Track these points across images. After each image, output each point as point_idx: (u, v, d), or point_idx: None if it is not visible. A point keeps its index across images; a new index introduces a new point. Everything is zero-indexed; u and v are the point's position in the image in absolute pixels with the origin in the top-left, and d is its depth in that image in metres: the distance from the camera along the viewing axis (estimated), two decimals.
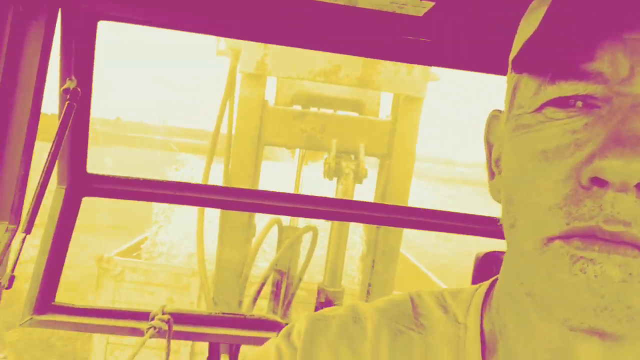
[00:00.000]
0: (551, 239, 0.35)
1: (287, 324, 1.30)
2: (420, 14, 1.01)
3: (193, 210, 4.93)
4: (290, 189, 2.90)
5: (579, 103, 0.36)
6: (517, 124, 0.40)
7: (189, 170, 5.41)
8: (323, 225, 2.78)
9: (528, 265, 0.37)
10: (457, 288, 0.53)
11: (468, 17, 1.02)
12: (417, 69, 2.32)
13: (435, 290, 0.53)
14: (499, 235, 1.44)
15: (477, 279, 1.12)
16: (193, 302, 3.85)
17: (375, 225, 2.33)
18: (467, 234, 1.57)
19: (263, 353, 0.50)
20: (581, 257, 0.34)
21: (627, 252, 0.33)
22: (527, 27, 0.40)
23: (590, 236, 0.34)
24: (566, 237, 0.34)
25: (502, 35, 1.10)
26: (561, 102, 0.37)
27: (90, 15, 1.04)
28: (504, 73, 1.41)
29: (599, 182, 0.33)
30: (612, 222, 0.33)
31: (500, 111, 0.47)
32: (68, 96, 1.08)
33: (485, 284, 0.51)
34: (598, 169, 0.33)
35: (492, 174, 0.47)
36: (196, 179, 5.24)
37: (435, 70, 2.41)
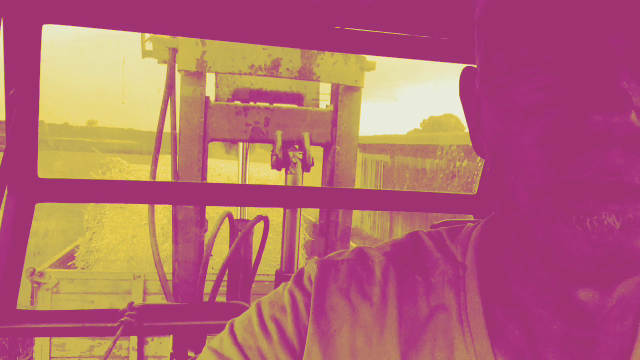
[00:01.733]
0: (543, 192, 0.36)
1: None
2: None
3: (126, 213, 4.82)
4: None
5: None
6: (493, 84, 0.39)
7: (117, 173, 5.21)
8: (272, 214, 2.83)
9: (524, 218, 0.37)
10: (454, 227, 0.54)
11: (403, 6, 1.10)
12: (353, 59, 2.41)
13: (432, 231, 0.54)
14: (444, 209, 1.54)
15: None
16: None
17: (326, 210, 2.41)
18: (419, 211, 1.68)
19: (276, 297, 0.52)
20: (577, 209, 0.34)
21: (623, 199, 0.33)
22: None
23: (583, 189, 0.34)
24: (559, 190, 0.35)
25: (432, 24, 1.19)
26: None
27: (34, 20, 1.04)
28: (431, 58, 1.50)
29: (583, 137, 0.33)
30: (603, 174, 0.33)
31: (473, 68, 0.47)
32: (15, 102, 1.08)
33: (481, 223, 0.53)
34: (582, 125, 0.33)
35: (473, 131, 0.47)
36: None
37: (371, 59, 2.52)
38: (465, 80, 0.48)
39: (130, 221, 4.77)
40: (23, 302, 3.74)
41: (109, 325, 1.17)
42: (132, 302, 1.20)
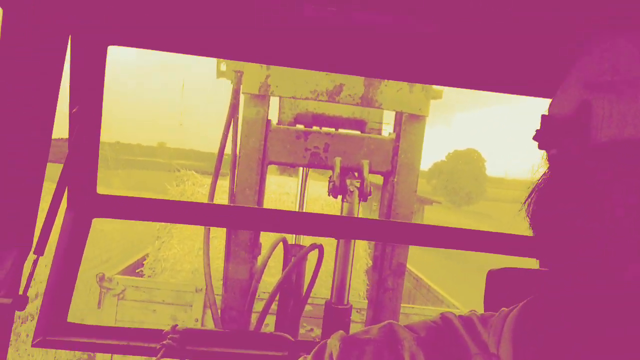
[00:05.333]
0: None
1: (297, 341, 1.31)
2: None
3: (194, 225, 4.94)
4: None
5: None
6: None
7: (190, 185, 5.41)
8: (328, 241, 2.79)
9: None
10: (486, 313, 0.51)
11: (469, 37, 1.04)
12: (419, 87, 2.35)
13: (464, 315, 0.51)
14: (503, 251, 1.44)
15: (489, 296, 1.13)
16: (197, 319, 3.83)
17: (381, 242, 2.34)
18: (474, 250, 1.58)
19: None
20: None
21: None
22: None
23: None
24: None
25: (503, 54, 1.13)
26: None
27: (99, 40, 1.07)
28: (504, 91, 1.42)
29: None
30: None
31: None
32: (78, 119, 1.11)
33: (518, 307, 0.48)
34: None
35: None
36: (197, 193, 5.26)
37: (438, 87, 2.45)
38: None
39: (199, 233, 4.91)
40: (92, 305, 3.90)
41: (152, 345, 1.16)
42: (176, 325, 1.19)
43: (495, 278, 1.01)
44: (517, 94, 1.30)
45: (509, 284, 0.92)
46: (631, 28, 0.38)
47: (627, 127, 0.36)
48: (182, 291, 3.85)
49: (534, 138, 0.44)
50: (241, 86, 2.40)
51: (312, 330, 3.67)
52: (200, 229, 5.00)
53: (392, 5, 0.91)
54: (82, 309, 5.51)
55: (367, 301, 3.37)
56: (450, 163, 37.92)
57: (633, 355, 0.36)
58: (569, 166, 0.39)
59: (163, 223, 5.02)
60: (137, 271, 4.79)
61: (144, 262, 4.97)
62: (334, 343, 0.48)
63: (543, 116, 0.44)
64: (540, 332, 0.43)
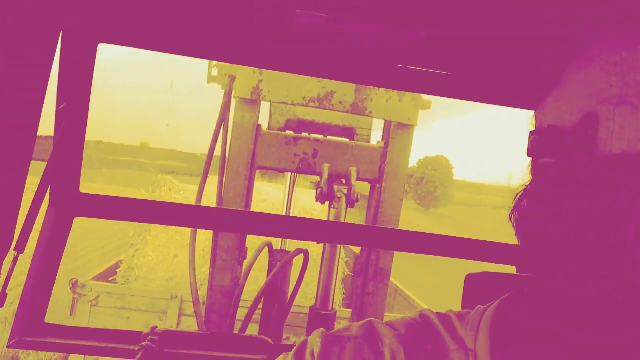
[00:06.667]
0: None
1: (277, 344, 1.30)
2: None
3: (170, 232, 4.89)
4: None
5: None
6: None
7: (166, 191, 5.30)
8: (312, 247, 2.79)
9: None
10: (463, 310, 0.52)
11: (459, 48, 1.05)
12: (408, 96, 2.37)
13: (442, 313, 0.51)
14: (486, 258, 1.45)
15: (467, 300, 1.14)
16: (172, 327, 3.80)
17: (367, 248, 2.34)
18: (460, 257, 1.59)
19: None
20: None
21: None
22: None
23: None
24: None
25: (492, 66, 1.14)
26: None
27: (90, 38, 1.07)
28: (493, 102, 1.43)
29: None
30: None
31: None
32: (64, 117, 1.10)
33: (495, 305, 0.49)
34: None
35: None
36: (173, 200, 5.19)
37: (427, 97, 2.46)
38: None
39: (173, 241, 4.85)
40: (65, 312, 3.84)
41: (130, 347, 1.15)
42: (155, 327, 1.18)
43: (473, 282, 1.01)
44: (502, 105, 1.32)
45: (486, 287, 0.93)
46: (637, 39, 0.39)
47: None
48: (157, 298, 3.79)
49: (530, 146, 0.44)
50: (233, 90, 2.40)
51: (287, 338, 3.64)
52: (175, 238, 4.96)
53: (381, 15, 0.92)
54: (54, 316, 5.42)
55: (344, 309, 3.37)
56: (420, 169, 40.41)
57: (608, 352, 0.37)
58: (573, 175, 0.39)
59: (138, 231, 4.95)
60: (110, 279, 4.71)
61: (117, 270, 4.91)
62: (315, 340, 0.49)
63: (540, 124, 0.45)
64: (518, 328, 0.44)
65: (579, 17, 0.75)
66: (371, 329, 0.48)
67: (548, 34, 0.84)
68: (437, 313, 0.51)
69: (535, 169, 0.44)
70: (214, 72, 2.69)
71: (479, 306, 0.50)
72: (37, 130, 1.03)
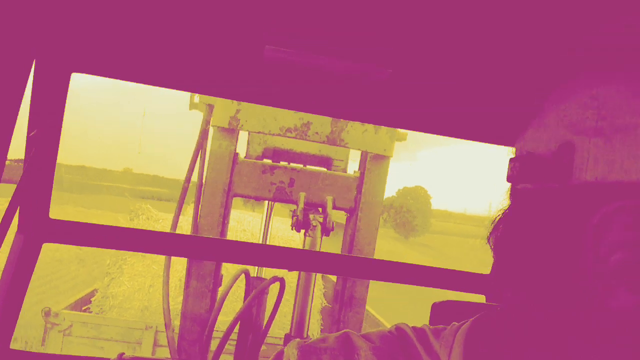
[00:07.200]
0: None
1: None
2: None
3: (146, 261, 4.81)
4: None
5: None
6: None
7: (144, 220, 5.23)
8: (290, 276, 2.78)
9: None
10: (438, 325, 0.53)
11: (430, 82, 1.09)
12: (384, 128, 2.42)
13: (417, 327, 0.52)
14: (457, 287, 1.48)
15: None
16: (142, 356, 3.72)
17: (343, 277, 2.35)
18: (432, 286, 1.61)
19: None
20: None
21: None
22: None
23: None
24: None
25: (464, 103, 1.18)
26: None
27: (63, 67, 1.09)
28: (468, 137, 1.45)
29: None
30: None
31: None
32: (35, 143, 1.11)
33: (469, 322, 0.50)
34: None
35: None
36: (151, 229, 5.12)
37: (403, 130, 2.52)
38: None
39: (150, 270, 4.79)
40: (36, 342, 3.75)
41: None
42: (123, 353, 1.17)
43: (439, 310, 1.03)
44: (476, 140, 1.35)
45: (452, 315, 0.95)
46: (614, 70, 0.42)
47: (614, 171, 0.39)
48: (131, 328, 3.72)
49: (509, 172, 0.47)
50: (211, 118, 2.43)
51: None
52: (152, 267, 4.88)
53: (349, 52, 0.96)
54: (24, 347, 5.26)
55: None
56: (399, 198, 41.06)
57: None
58: (549, 200, 0.42)
59: (114, 259, 4.88)
60: (83, 308, 4.62)
61: (91, 299, 4.82)
62: (291, 351, 0.49)
63: (520, 152, 0.48)
64: (491, 345, 0.45)
65: (554, 58, 0.79)
66: (347, 341, 0.49)
67: (524, 72, 0.88)
68: (412, 327, 0.52)
69: (513, 194, 0.47)
70: (196, 99, 2.72)
71: (453, 323, 0.52)
72: (6, 154, 1.04)
